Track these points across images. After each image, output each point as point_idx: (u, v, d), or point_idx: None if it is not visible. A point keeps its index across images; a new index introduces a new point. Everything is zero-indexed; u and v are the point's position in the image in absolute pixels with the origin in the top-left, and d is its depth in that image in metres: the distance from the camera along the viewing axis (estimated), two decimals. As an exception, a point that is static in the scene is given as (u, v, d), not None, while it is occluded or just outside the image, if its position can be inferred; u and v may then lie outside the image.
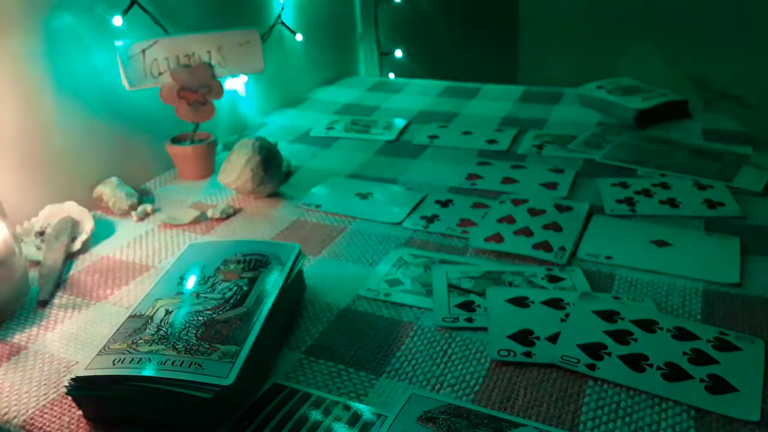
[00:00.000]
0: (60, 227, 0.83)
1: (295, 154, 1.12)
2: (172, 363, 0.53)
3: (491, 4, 2.39)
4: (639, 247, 0.78)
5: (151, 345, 0.55)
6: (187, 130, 1.03)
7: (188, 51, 1.00)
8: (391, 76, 1.77)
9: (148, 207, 0.92)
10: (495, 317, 0.65)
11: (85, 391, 0.54)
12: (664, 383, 0.56)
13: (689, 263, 0.74)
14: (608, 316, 0.64)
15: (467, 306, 0.68)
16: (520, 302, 0.67)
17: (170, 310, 0.60)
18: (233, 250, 0.70)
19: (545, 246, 0.79)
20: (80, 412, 0.55)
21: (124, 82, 0.94)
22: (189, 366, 0.52)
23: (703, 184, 0.93)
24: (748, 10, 2.02)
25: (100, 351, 0.55)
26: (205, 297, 0.62)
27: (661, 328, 0.62)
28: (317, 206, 0.93)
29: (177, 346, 0.55)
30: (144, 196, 0.98)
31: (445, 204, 0.92)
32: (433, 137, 1.18)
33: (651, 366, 0.57)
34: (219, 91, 1.01)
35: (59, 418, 0.55)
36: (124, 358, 0.53)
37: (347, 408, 0.54)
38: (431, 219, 0.87)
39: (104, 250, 0.83)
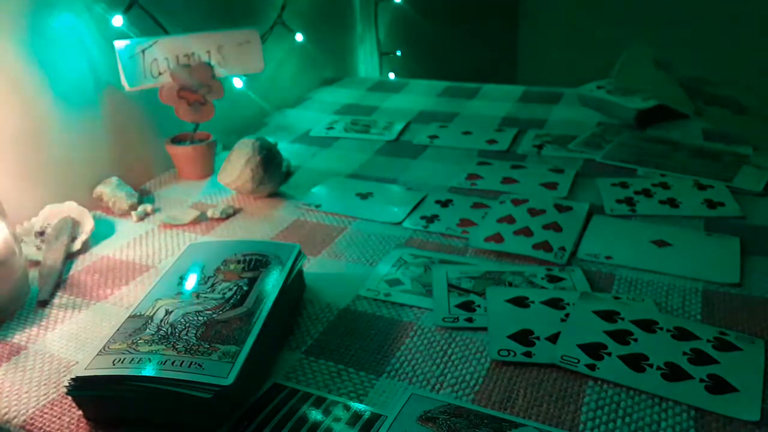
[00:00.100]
0: (60, 227, 0.83)
1: (295, 154, 1.12)
2: (172, 363, 0.53)
3: (491, 4, 2.39)
4: (639, 247, 0.78)
5: (151, 345, 0.55)
6: (187, 130, 1.03)
7: (188, 51, 1.00)
8: (391, 76, 1.77)
9: (148, 207, 0.92)
10: (495, 317, 0.65)
11: (85, 391, 0.54)
12: (664, 383, 0.56)
13: (689, 263, 0.74)
14: (608, 316, 0.64)
15: (467, 306, 0.68)
16: (520, 302, 0.67)
17: (170, 310, 0.60)
18: (233, 250, 0.70)
19: (545, 246, 0.79)
20: (80, 412, 0.55)
21: (124, 82, 0.94)
22: (189, 366, 0.52)
23: (703, 184, 0.93)
24: (749, 13, 2.02)
25: (100, 351, 0.55)
26: (205, 297, 0.62)
27: (661, 328, 0.62)
28: (317, 206, 0.93)
29: (177, 346, 0.55)
30: (144, 196, 0.98)
31: (445, 204, 0.92)
32: (433, 137, 1.18)
33: (651, 366, 0.57)
34: (219, 91, 1.01)
35: (59, 418, 0.55)
36: (124, 358, 0.53)
37: (347, 408, 0.54)
38: (431, 219, 0.87)
39: (104, 250, 0.83)
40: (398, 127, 1.24)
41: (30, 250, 0.80)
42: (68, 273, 0.78)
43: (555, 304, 0.66)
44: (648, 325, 0.62)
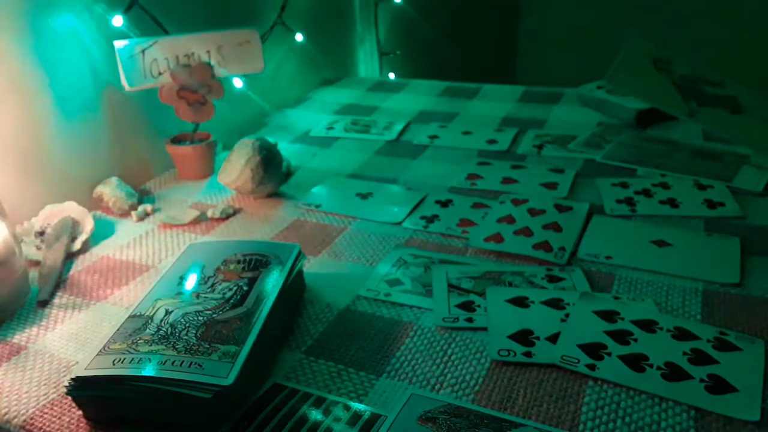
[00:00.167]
0: (60, 227, 0.83)
1: (295, 154, 1.12)
2: (172, 363, 0.53)
3: (491, 4, 2.39)
4: (639, 247, 0.78)
5: (151, 345, 0.55)
6: (187, 130, 1.03)
7: (188, 51, 1.00)
8: (391, 76, 1.77)
9: (148, 207, 0.92)
10: (495, 317, 0.65)
11: (85, 391, 0.54)
12: (664, 383, 0.56)
13: (689, 263, 0.74)
14: (608, 316, 0.64)
15: (467, 306, 0.68)
16: (520, 302, 0.67)
17: (170, 310, 0.60)
18: (233, 250, 0.70)
19: (545, 246, 0.79)
20: (80, 412, 0.55)
21: (124, 83, 0.94)
22: (189, 366, 0.52)
23: (703, 184, 0.93)
24: (749, 13, 2.02)
25: (100, 351, 0.55)
26: (205, 297, 0.62)
27: (661, 328, 0.62)
28: (317, 206, 0.93)
29: (177, 346, 0.55)
30: (144, 196, 0.98)
31: (445, 204, 0.92)
32: (433, 137, 1.18)
33: (651, 366, 0.57)
34: (219, 91, 1.01)
35: (59, 418, 0.55)
36: (124, 358, 0.53)
37: (347, 408, 0.54)
38: (431, 219, 0.87)
39: (104, 250, 0.83)
40: (398, 127, 1.24)
41: (30, 250, 0.80)
42: (68, 273, 0.78)
43: (555, 304, 0.66)
44: (648, 325, 0.62)
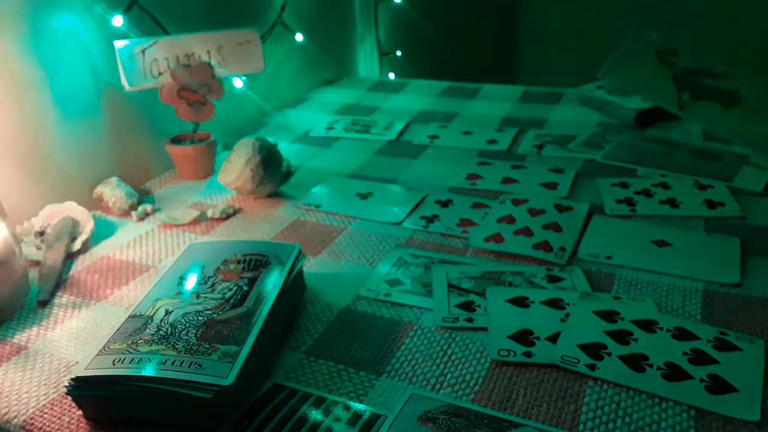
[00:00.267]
0: (60, 227, 0.83)
1: (295, 154, 1.12)
2: (172, 363, 0.53)
3: (491, 4, 2.39)
4: (639, 247, 0.78)
5: (151, 345, 0.55)
6: (187, 130, 1.03)
7: (188, 51, 1.00)
8: (391, 76, 1.77)
9: (148, 207, 0.92)
10: (495, 317, 0.65)
11: (85, 391, 0.54)
12: (664, 383, 0.56)
13: (689, 263, 0.74)
14: (608, 316, 0.64)
15: (467, 306, 0.68)
16: (520, 302, 0.67)
17: (170, 310, 0.60)
18: (233, 250, 0.70)
19: (545, 246, 0.79)
20: (80, 412, 0.55)
21: (124, 82, 0.94)
22: (189, 366, 0.52)
23: (703, 184, 0.93)
24: (749, 13, 2.02)
25: (100, 351, 0.55)
26: (205, 297, 0.62)
27: (661, 328, 0.62)
28: (317, 206, 0.93)
29: (177, 346, 0.55)
30: (144, 196, 0.98)
31: (445, 204, 0.92)
32: (433, 137, 1.18)
33: (651, 366, 0.57)
34: (219, 91, 1.01)
35: (59, 418, 0.55)
36: (124, 358, 0.53)
37: (347, 408, 0.54)
38: (431, 219, 0.87)
39: (104, 250, 0.83)
40: (398, 127, 1.24)
41: (30, 250, 0.80)
42: (68, 273, 0.78)
43: (555, 304, 0.66)
44: (648, 325, 0.62)
